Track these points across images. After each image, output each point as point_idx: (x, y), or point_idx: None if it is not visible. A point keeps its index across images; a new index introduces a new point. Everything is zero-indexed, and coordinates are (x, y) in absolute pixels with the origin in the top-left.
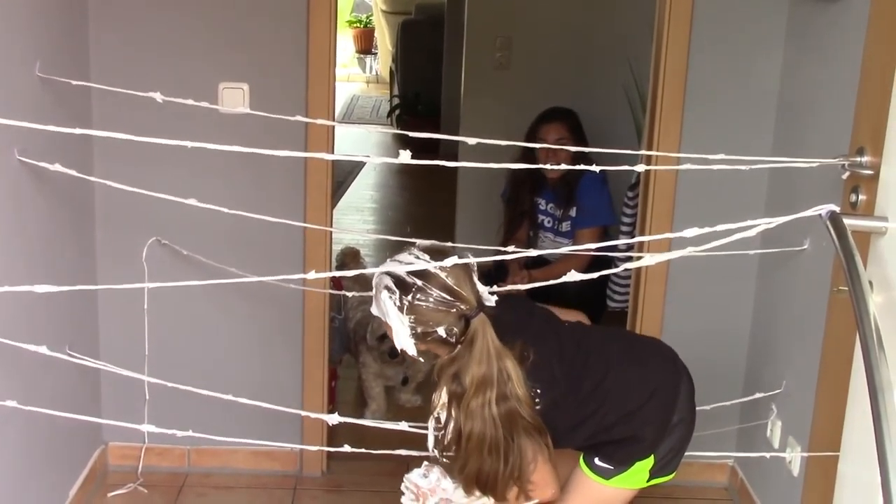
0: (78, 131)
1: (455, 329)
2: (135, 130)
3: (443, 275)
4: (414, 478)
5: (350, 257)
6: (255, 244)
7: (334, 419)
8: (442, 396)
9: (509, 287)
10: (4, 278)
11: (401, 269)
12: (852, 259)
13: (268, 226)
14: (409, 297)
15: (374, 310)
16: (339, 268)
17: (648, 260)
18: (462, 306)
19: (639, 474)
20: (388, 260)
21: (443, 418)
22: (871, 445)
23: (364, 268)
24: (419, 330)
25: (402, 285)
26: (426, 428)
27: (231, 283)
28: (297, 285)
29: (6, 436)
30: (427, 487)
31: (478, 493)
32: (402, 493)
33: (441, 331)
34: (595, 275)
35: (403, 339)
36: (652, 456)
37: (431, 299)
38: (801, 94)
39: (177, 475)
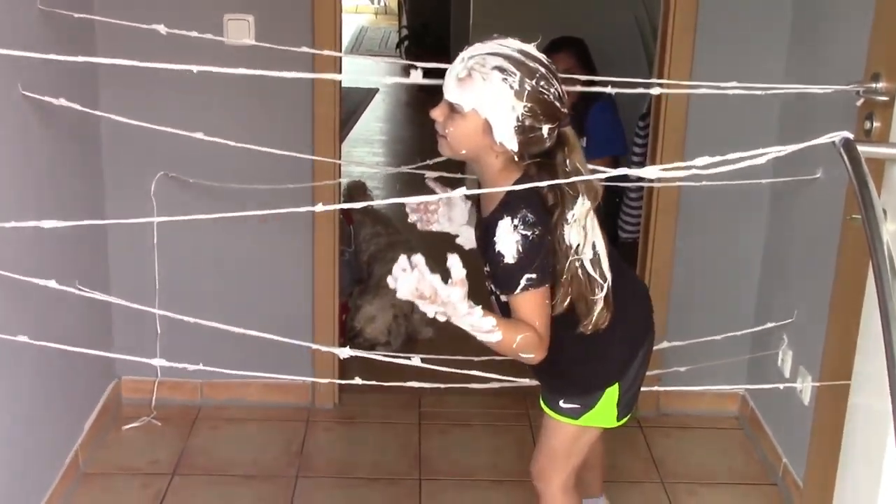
0: (80, 59)
1: (553, 133)
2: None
3: (554, 67)
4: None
5: (357, 190)
6: (263, 177)
7: (345, 352)
8: None
9: None
10: (13, 214)
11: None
12: (866, 186)
13: (276, 158)
14: (532, 83)
15: (456, 94)
16: (346, 201)
17: (654, 172)
18: (564, 109)
19: (607, 409)
20: (482, 42)
21: None
22: (883, 375)
23: (371, 200)
24: (527, 123)
25: (523, 67)
26: (436, 363)
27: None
28: (307, 217)
29: (19, 371)
30: (433, 294)
31: (491, 324)
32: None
33: (545, 129)
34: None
35: (505, 129)
36: (617, 384)
37: (553, 90)
38: (815, 19)
39: (190, 408)
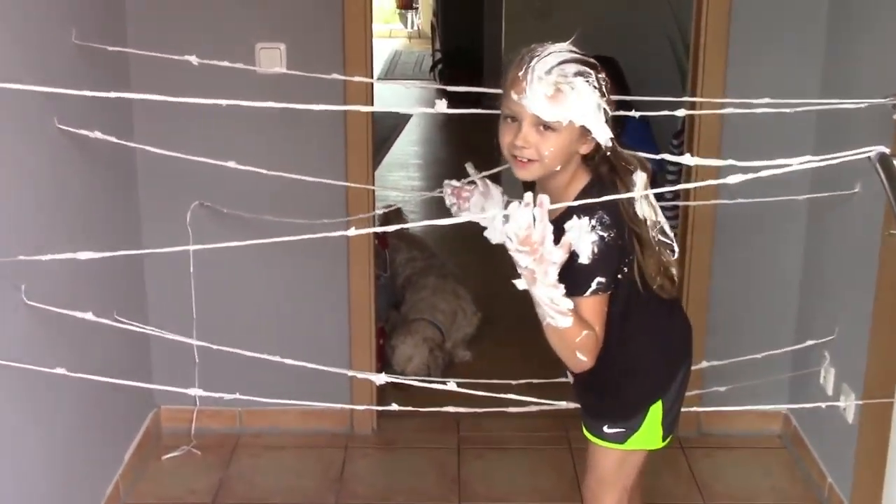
0: (112, 94)
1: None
2: (173, 94)
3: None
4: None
5: (393, 215)
6: (297, 205)
7: (381, 379)
8: None
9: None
10: (49, 247)
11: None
12: None
13: (309, 185)
14: (602, 75)
15: (552, 113)
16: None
17: (692, 160)
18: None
19: (653, 429)
20: (531, 55)
21: None
22: None
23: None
24: (609, 114)
25: (592, 65)
26: (473, 387)
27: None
28: (342, 243)
29: (60, 402)
30: (540, 248)
31: (569, 306)
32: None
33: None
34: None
35: (603, 129)
36: (661, 402)
37: (605, 79)
38: (850, 31)
39: (229, 436)
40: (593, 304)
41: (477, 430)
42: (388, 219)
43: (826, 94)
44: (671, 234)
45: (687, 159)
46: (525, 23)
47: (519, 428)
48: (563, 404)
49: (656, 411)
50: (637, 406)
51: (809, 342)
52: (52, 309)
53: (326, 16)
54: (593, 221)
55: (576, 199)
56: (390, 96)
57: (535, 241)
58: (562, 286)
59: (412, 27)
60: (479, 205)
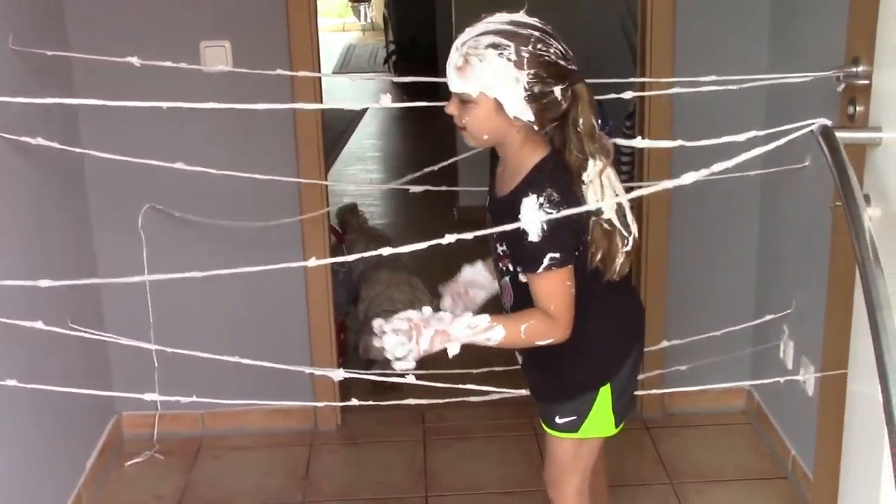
0: (49, 101)
1: (567, 93)
2: (119, 95)
3: (548, 27)
4: (401, 315)
5: (349, 213)
6: (249, 203)
7: (339, 375)
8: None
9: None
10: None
11: (497, 24)
12: (845, 173)
13: (262, 183)
14: (529, 48)
15: (460, 84)
16: (339, 225)
17: (648, 189)
18: (572, 66)
19: (603, 415)
20: (471, 26)
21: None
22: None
23: (364, 221)
24: (536, 89)
25: (515, 36)
26: (434, 378)
27: (230, 242)
28: (297, 240)
29: (19, 413)
30: (420, 319)
31: (486, 320)
32: (384, 335)
33: (557, 91)
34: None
35: (517, 103)
36: (609, 385)
37: (552, 50)
38: (796, 4)
39: (192, 440)
40: (549, 280)
41: (442, 420)
42: (343, 215)
43: (773, 70)
44: (630, 222)
45: (638, 142)
46: (477, 10)
47: (484, 417)
48: (524, 392)
49: (605, 396)
50: (584, 386)
51: (768, 317)
52: (1, 320)
53: (271, 11)
54: (541, 199)
55: (531, 171)
56: (346, 90)
57: (410, 328)
58: (463, 317)
59: (365, 20)
60: (478, 290)
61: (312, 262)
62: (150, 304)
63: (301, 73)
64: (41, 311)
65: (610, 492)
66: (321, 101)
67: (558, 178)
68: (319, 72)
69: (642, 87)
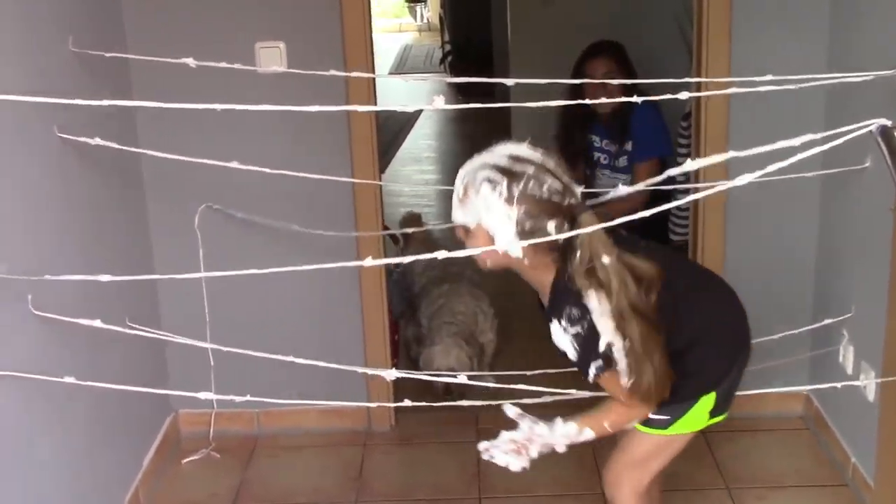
0: (106, 103)
1: (563, 226)
2: (175, 96)
3: (549, 162)
4: (505, 437)
5: (412, 221)
6: (304, 202)
7: (392, 375)
8: (573, 312)
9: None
10: (59, 256)
11: (496, 159)
12: None
13: (316, 183)
14: (521, 186)
15: (460, 215)
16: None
17: (706, 192)
18: (571, 200)
19: (699, 415)
20: (478, 155)
21: (583, 331)
22: None
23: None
24: (528, 226)
25: (509, 174)
26: (486, 379)
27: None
28: (352, 240)
29: (76, 410)
30: (523, 438)
31: (578, 424)
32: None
33: (551, 226)
34: (650, 211)
35: (507, 239)
36: (714, 393)
37: (545, 187)
38: (855, 4)
39: (247, 438)
40: (606, 382)
41: (495, 422)
42: (407, 223)
43: (832, 70)
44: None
45: (689, 165)
46: (530, 10)
47: (538, 418)
48: (585, 394)
49: (707, 401)
50: (686, 399)
51: (827, 321)
52: (60, 318)
53: (325, 12)
54: (563, 322)
55: (550, 293)
56: (401, 91)
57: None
58: (557, 422)
59: (421, 20)
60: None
61: (369, 262)
62: (206, 303)
63: (354, 74)
64: (100, 309)
65: (662, 496)
66: (375, 102)
67: (573, 294)
68: (374, 72)
69: (699, 87)
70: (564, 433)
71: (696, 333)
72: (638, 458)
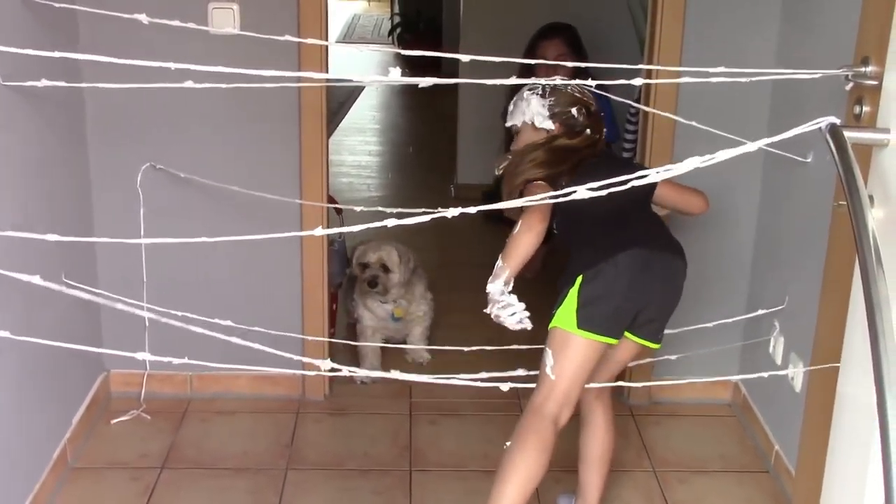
0: (57, 54)
1: (581, 115)
2: (124, 52)
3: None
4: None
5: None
6: (250, 167)
7: (327, 364)
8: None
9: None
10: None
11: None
12: (851, 173)
13: (264, 148)
14: (551, 88)
15: (510, 119)
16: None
17: (654, 177)
18: (587, 101)
19: (569, 308)
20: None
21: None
22: (870, 361)
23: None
24: (556, 109)
25: (543, 86)
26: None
27: (227, 208)
28: (294, 209)
29: (6, 366)
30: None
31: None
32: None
33: (574, 111)
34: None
35: (541, 117)
36: (581, 277)
37: (568, 89)
38: (805, 2)
39: (179, 401)
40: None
41: (429, 396)
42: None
43: (781, 66)
44: None
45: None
46: None
47: (471, 394)
48: (519, 373)
49: (573, 291)
50: (567, 287)
51: (760, 311)
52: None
53: None
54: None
55: None
56: (350, 60)
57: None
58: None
59: None
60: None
61: (319, 232)
62: (145, 263)
63: (309, 41)
64: (36, 263)
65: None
66: (327, 70)
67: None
68: (327, 39)
69: (650, 75)
70: (492, 278)
71: (610, 240)
72: (548, 361)
